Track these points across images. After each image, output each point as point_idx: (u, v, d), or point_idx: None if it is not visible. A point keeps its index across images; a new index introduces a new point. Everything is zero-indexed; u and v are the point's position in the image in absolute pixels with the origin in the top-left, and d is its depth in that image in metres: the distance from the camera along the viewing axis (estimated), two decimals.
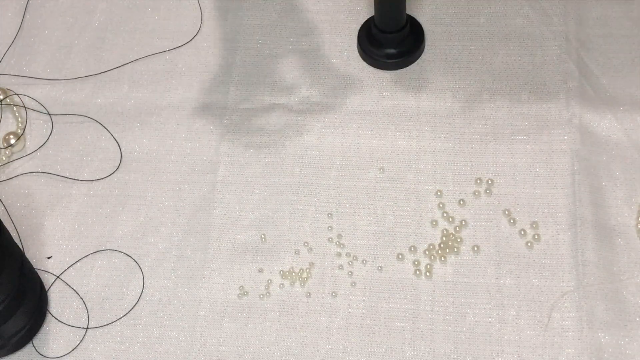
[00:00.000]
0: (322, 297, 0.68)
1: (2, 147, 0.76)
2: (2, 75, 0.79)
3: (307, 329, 0.67)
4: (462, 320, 0.66)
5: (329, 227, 0.70)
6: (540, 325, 0.65)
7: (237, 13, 0.81)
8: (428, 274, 0.68)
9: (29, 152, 0.76)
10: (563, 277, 0.66)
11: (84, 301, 0.69)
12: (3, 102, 0.78)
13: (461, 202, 0.70)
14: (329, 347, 0.66)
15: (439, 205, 0.70)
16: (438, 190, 0.71)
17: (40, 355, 0.67)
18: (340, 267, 0.69)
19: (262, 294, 0.68)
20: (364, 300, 0.67)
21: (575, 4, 0.78)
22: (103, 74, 0.79)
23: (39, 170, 0.75)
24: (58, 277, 0.70)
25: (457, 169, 0.72)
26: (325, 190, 0.72)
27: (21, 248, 0.69)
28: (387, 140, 0.73)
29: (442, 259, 0.68)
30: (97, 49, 0.81)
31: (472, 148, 0.72)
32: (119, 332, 0.68)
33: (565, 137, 0.72)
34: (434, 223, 0.70)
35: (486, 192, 0.70)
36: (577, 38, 0.76)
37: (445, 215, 0.70)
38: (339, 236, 0.70)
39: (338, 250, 0.69)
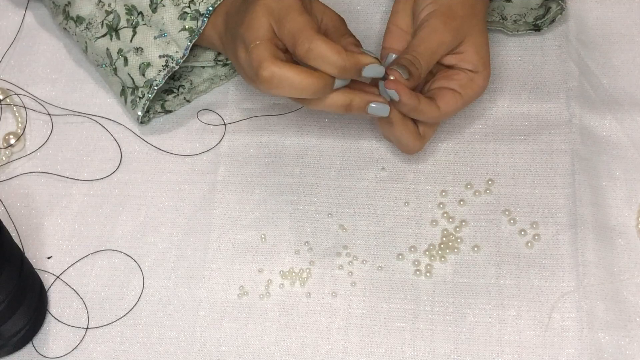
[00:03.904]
0: (322, 297, 0.68)
1: (2, 147, 0.76)
2: (2, 75, 0.79)
3: (307, 329, 0.67)
4: (462, 320, 0.66)
5: (329, 227, 0.70)
6: (540, 325, 0.65)
7: None
8: (428, 274, 0.68)
9: (29, 152, 0.76)
10: (563, 277, 0.66)
11: (84, 301, 0.69)
12: (3, 102, 0.78)
13: (461, 202, 0.70)
14: (329, 347, 0.66)
15: (439, 205, 0.70)
16: (438, 191, 0.71)
17: (40, 355, 0.67)
18: (340, 267, 0.69)
19: (262, 294, 0.68)
20: (364, 300, 0.67)
21: (575, 4, 0.78)
22: None
23: (39, 170, 0.75)
24: (58, 277, 0.70)
25: (457, 169, 0.72)
26: (325, 190, 0.72)
27: (21, 248, 0.69)
28: (387, 141, 0.73)
29: (442, 258, 0.68)
30: None
31: (472, 148, 0.72)
32: (119, 332, 0.68)
33: (565, 137, 0.72)
34: (434, 223, 0.70)
35: (486, 192, 0.70)
36: (577, 38, 0.76)
37: (445, 215, 0.70)
38: (339, 236, 0.70)
39: (338, 250, 0.69)
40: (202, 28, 0.69)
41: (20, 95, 0.78)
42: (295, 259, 0.69)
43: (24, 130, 0.77)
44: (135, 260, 0.70)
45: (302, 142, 0.74)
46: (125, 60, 0.71)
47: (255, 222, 0.71)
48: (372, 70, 0.62)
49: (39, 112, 0.77)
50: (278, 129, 0.75)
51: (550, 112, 0.73)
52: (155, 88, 0.71)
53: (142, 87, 0.71)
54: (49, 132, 0.76)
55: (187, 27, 0.69)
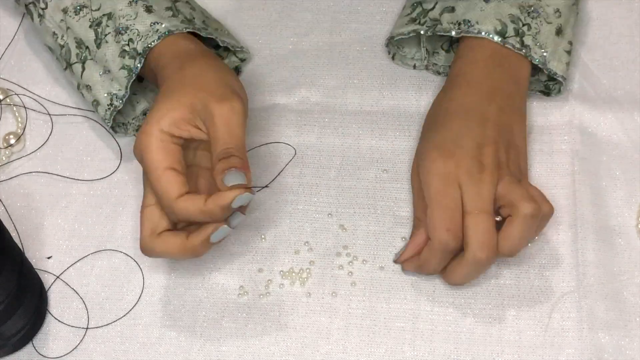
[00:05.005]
0: (322, 297, 0.68)
1: (2, 147, 0.76)
2: (2, 75, 0.79)
3: (307, 329, 0.67)
4: (462, 320, 0.66)
5: (329, 227, 0.70)
6: (540, 325, 0.65)
7: (237, 13, 0.81)
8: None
9: (29, 152, 0.76)
10: (563, 277, 0.66)
11: (84, 301, 0.69)
12: (3, 102, 0.78)
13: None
14: (329, 347, 0.66)
15: None
16: None
17: (40, 355, 0.67)
18: (340, 267, 0.69)
19: (262, 294, 0.68)
20: (364, 300, 0.67)
21: None
22: None
23: (39, 170, 0.75)
24: (58, 277, 0.70)
25: None
26: (325, 190, 0.72)
27: (21, 248, 0.69)
28: (387, 140, 0.73)
29: None
30: None
31: None
32: (119, 332, 0.68)
33: (565, 137, 0.72)
34: None
35: None
36: (577, 38, 0.76)
37: None
38: (339, 236, 0.70)
39: (338, 250, 0.69)
40: (139, 67, 0.68)
41: (20, 95, 0.78)
42: (295, 259, 0.69)
43: (24, 130, 0.77)
44: (135, 260, 0.70)
45: (302, 142, 0.74)
46: (82, 95, 0.72)
47: (255, 222, 0.71)
48: (240, 200, 0.60)
49: (39, 112, 0.77)
50: (278, 129, 0.75)
51: (550, 112, 0.73)
52: (108, 125, 0.71)
53: (102, 120, 0.72)
54: (49, 132, 0.76)
55: (125, 65, 0.69)
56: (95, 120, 0.76)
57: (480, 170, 0.63)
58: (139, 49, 0.68)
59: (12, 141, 0.75)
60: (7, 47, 0.80)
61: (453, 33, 0.69)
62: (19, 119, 0.77)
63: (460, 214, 0.62)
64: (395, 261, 0.67)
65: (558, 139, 0.72)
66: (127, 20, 0.68)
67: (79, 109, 0.77)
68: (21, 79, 0.79)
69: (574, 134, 0.72)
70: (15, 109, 0.77)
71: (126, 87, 0.69)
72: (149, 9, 0.69)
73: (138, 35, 0.68)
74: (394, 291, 0.67)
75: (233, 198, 0.59)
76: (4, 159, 0.75)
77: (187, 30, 0.69)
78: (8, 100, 0.78)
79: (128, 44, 0.68)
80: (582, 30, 0.77)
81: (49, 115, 0.77)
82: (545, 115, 0.73)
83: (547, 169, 0.71)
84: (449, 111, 0.67)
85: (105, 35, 0.69)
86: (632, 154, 0.71)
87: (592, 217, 0.68)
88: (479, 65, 0.68)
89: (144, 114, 0.75)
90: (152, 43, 0.67)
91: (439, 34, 0.70)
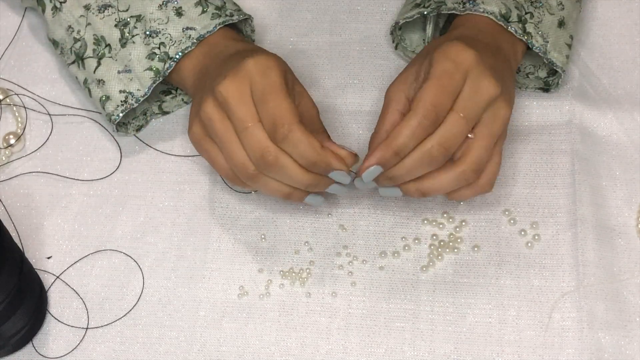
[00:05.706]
0: (322, 297, 0.68)
1: (2, 147, 0.76)
2: (2, 75, 0.79)
3: (307, 329, 0.67)
4: (462, 321, 0.66)
5: (329, 227, 0.70)
6: (540, 325, 0.65)
7: None
8: (428, 273, 0.68)
9: (29, 152, 0.76)
10: (563, 277, 0.66)
11: (84, 301, 0.69)
12: (3, 102, 0.78)
13: (461, 202, 0.70)
14: (329, 347, 0.66)
15: (439, 205, 0.70)
16: None
17: (40, 355, 0.67)
18: (340, 267, 0.69)
19: (262, 294, 0.68)
20: (364, 301, 0.67)
21: None
22: None
23: (39, 170, 0.75)
24: (58, 277, 0.70)
25: None
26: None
27: (21, 248, 0.69)
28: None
29: (440, 257, 0.68)
30: None
31: None
32: (119, 332, 0.68)
33: (565, 137, 0.72)
34: (434, 223, 0.70)
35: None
36: (577, 38, 0.76)
37: (445, 215, 0.70)
38: (339, 236, 0.70)
39: (338, 250, 0.69)
40: (168, 71, 0.69)
41: (20, 95, 0.78)
42: (295, 259, 0.69)
43: (23, 130, 0.77)
44: (135, 260, 0.70)
45: None
46: (89, 91, 0.72)
47: (255, 222, 0.71)
48: (339, 176, 0.63)
49: (38, 112, 0.77)
50: None
51: (550, 112, 0.73)
52: (114, 123, 0.71)
53: (106, 118, 0.72)
54: (49, 132, 0.76)
55: (153, 67, 0.69)
56: (95, 120, 0.76)
57: (490, 75, 0.61)
58: (171, 53, 0.69)
59: (12, 141, 0.75)
60: (7, 47, 0.80)
61: (457, 11, 0.68)
62: (19, 119, 0.77)
63: (452, 102, 0.60)
64: (363, 169, 0.63)
65: (558, 139, 0.72)
66: (158, 24, 0.69)
67: (78, 109, 0.77)
68: (21, 79, 0.79)
69: (573, 133, 0.72)
70: (15, 109, 0.77)
71: (149, 88, 0.70)
72: (179, 12, 0.69)
73: (170, 40, 0.69)
74: (394, 291, 0.67)
75: (347, 156, 0.63)
76: (4, 159, 0.75)
77: (219, 27, 0.69)
78: (8, 100, 0.77)
79: (159, 47, 0.69)
80: (582, 30, 0.77)
81: (49, 115, 0.77)
82: (545, 115, 0.73)
83: (547, 169, 0.71)
84: (456, 34, 0.67)
85: (133, 36, 0.70)
86: (632, 154, 0.71)
87: (592, 217, 0.68)
88: (477, 27, 0.68)
89: (144, 114, 0.75)
90: (187, 49, 0.69)
91: (443, 12, 0.69)
